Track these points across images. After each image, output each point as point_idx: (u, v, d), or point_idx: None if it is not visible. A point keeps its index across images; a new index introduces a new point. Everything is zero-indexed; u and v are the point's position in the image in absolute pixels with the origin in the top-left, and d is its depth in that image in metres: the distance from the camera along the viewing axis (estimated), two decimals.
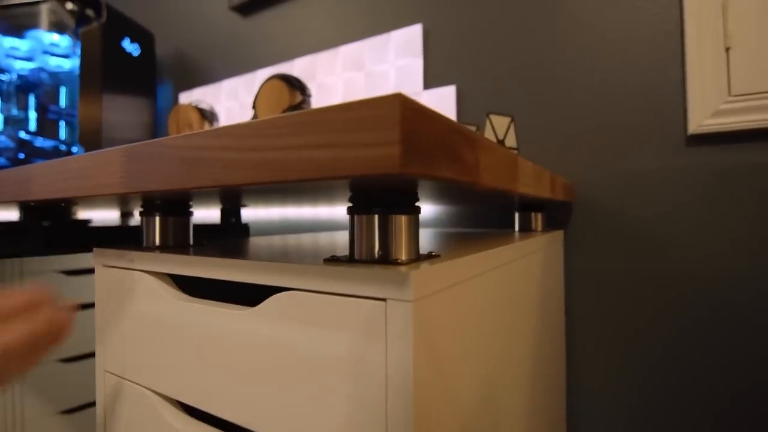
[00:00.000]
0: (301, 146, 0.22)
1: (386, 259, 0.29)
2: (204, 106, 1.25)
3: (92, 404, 0.92)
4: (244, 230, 0.94)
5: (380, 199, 0.30)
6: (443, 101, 0.95)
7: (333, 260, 0.31)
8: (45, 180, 0.41)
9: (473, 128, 0.70)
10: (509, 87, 0.89)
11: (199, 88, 1.44)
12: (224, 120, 1.35)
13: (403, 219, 0.30)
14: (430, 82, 0.99)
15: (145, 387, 0.42)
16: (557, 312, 0.73)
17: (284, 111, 0.95)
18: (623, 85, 0.77)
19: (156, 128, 1.51)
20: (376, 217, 0.29)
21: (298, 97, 0.97)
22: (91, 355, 0.91)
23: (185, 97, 1.48)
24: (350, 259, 0.31)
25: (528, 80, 0.87)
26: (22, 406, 0.88)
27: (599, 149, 0.79)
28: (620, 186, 0.77)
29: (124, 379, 0.44)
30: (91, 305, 0.99)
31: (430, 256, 0.32)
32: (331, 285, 0.28)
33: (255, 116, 1.00)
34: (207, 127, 1.21)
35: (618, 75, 0.77)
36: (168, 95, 1.59)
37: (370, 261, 0.30)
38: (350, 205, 0.31)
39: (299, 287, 0.30)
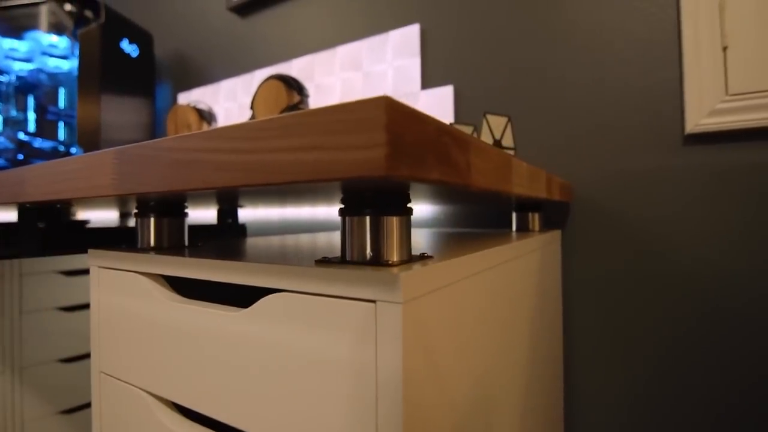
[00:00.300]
0: (290, 148, 0.22)
1: (377, 260, 0.29)
2: (202, 106, 1.25)
3: (91, 404, 0.92)
4: (241, 231, 0.94)
5: (372, 200, 0.30)
6: (441, 101, 0.95)
7: (324, 262, 0.31)
8: (39, 182, 0.41)
9: (470, 128, 0.70)
10: (507, 87, 0.89)
11: (197, 89, 1.44)
12: (223, 120, 1.35)
13: (394, 220, 0.30)
14: (427, 82, 0.99)
15: (139, 388, 0.42)
16: (555, 312, 0.73)
17: (282, 111, 0.96)
18: (621, 84, 0.77)
19: (154, 129, 1.51)
20: (368, 218, 0.29)
21: (296, 98, 0.97)
22: (90, 355, 0.91)
23: (184, 98, 1.48)
24: (342, 261, 0.31)
25: (526, 80, 0.87)
26: (22, 406, 0.89)
27: (597, 149, 0.79)
28: (618, 186, 0.77)
29: (119, 380, 0.44)
30: (89, 306, 0.99)
31: (422, 257, 0.32)
32: (322, 287, 0.28)
33: (253, 117, 1.00)
34: (205, 127, 1.21)
35: (615, 75, 0.77)
36: (166, 96, 1.59)
37: (362, 262, 0.29)
38: (341, 206, 0.31)
39: (291, 289, 0.30)
